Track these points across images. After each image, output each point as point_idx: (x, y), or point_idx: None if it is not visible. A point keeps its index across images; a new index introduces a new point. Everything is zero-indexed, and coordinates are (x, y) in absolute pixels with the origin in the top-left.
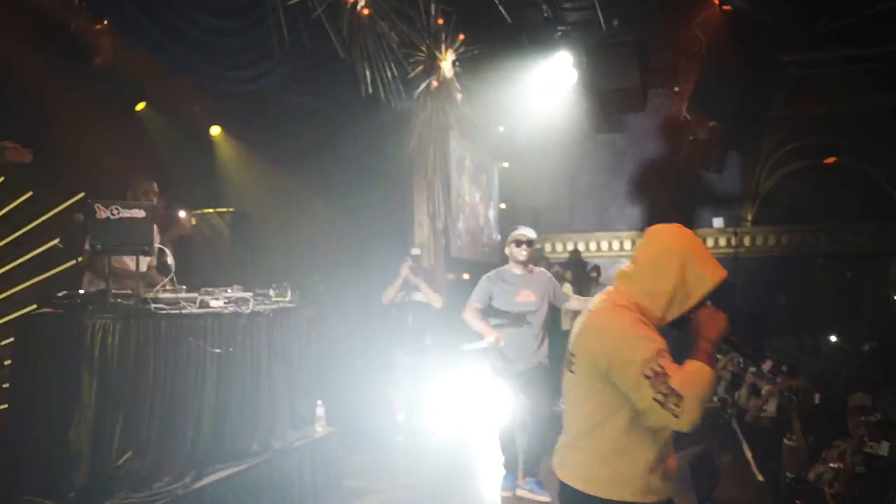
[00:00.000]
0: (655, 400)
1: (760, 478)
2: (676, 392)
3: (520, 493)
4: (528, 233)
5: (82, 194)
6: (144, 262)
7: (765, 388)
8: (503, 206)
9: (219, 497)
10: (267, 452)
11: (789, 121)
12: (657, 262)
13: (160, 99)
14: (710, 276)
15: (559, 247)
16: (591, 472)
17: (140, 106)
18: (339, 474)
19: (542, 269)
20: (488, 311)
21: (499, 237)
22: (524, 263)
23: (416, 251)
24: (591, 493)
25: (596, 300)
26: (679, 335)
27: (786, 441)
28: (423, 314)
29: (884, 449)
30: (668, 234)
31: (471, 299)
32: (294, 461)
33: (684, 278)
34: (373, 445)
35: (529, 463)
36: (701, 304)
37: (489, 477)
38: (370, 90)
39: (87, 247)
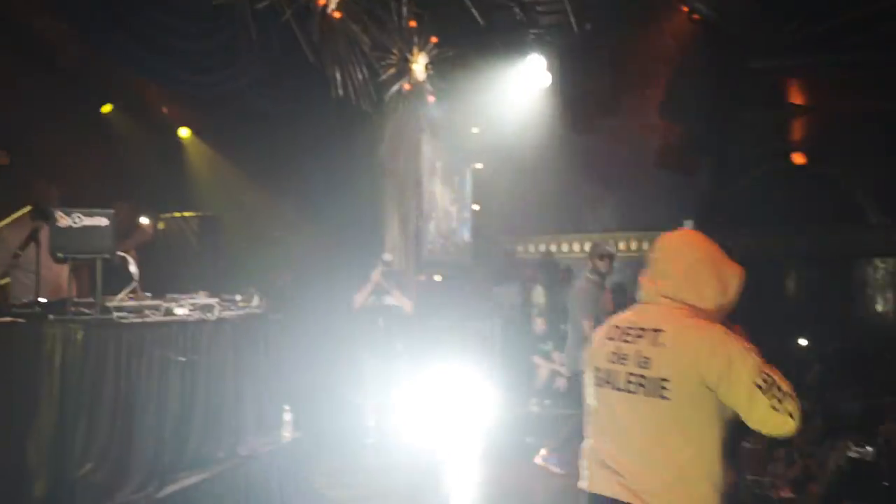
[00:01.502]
0: (773, 408)
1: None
2: (788, 395)
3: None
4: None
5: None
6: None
7: None
8: (476, 207)
9: None
10: (233, 459)
11: (759, 125)
12: (694, 271)
13: (127, 100)
14: (737, 272)
15: (531, 248)
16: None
17: (106, 108)
18: (307, 479)
19: None
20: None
21: (471, 239)
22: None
23: (387, 257)
24: None
25: (651, 314)
26: None
27: (744, 444)
28: (394, 318)
29: (826, 453)
30: (691, 241)
31: None
32: (261, 467)
33: (722, 280)
34: (342, 450)
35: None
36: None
37: (460, 479)
38: (341, 93)
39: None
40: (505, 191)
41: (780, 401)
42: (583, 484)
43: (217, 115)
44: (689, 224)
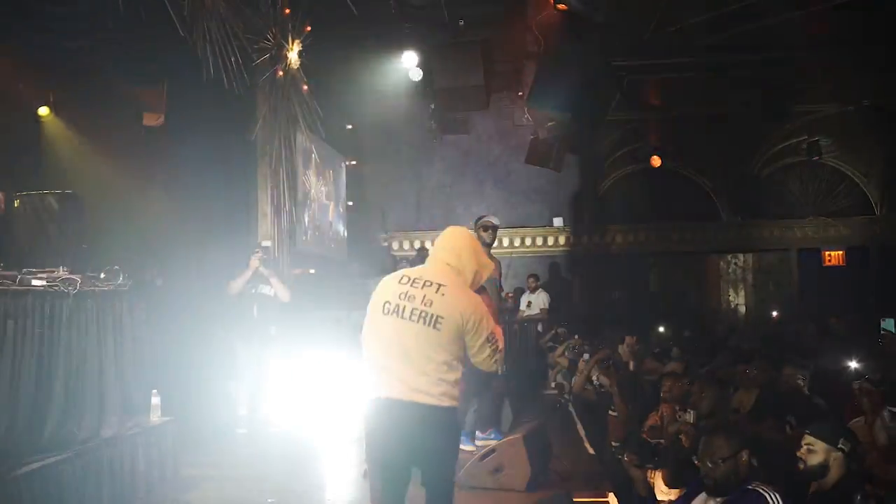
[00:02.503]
0: (490, 355)
1: (591, 451)
2: (500, 350)
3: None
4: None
5: None
6: None
7: (581, 363)
8: (350, 203)
9: (39, 488)
10: (95, 441)
11: (623, 125)
12: (466, 253)
13: None
14: (489, 262)
15: (406, 245)
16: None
17: None
18: (174, 464)
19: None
20: None
21: (345, 234)
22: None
23: (266, 243)
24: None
25: (437, 273)
26: None
27: (610, 412)
28: (269, 306)
29: (691, 417)
30: (466, 234)
31: None
32: (125, 450)
33: (479, 264)
34: (212, 437)
35: None
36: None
37: (332, 465)
38: (212, 73)
39: None
40: (380, 187)
41: (494, 351)
42: (374, 393)
43: (80, 94)
44: (558, 221)
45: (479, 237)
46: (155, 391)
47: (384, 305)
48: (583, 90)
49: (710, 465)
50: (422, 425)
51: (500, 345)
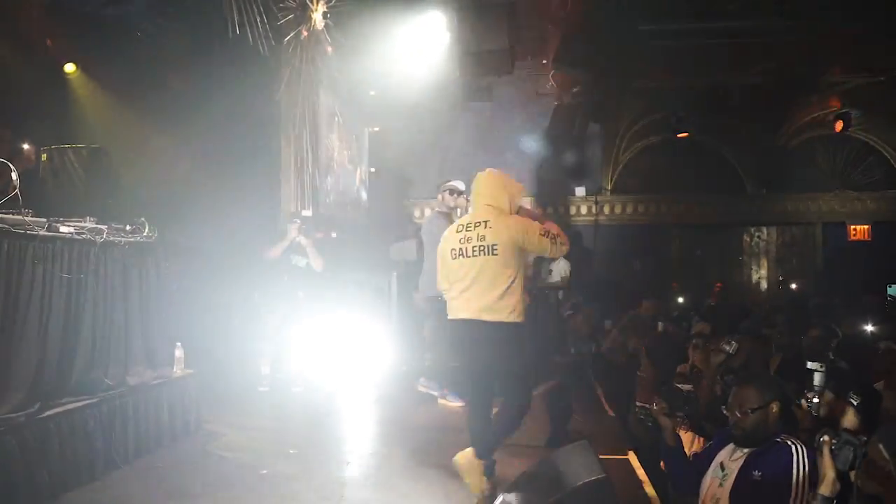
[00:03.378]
0: (550, 241)
1: (611, 413)
2: (558, 235)
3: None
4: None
5: None
6: None
7: (609, 328)
8: (373, 170)
9: (66, 429)
10: (121, 388)
11: (648, 93)
12: (498, 191)
13: (7, 27)
14: (518, 186)
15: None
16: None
17: None
18: (198, 417)
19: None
20: None
21: (367, 199)
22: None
23: (306, 212)
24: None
25: (480, 214)
26: None
27: (638, 373)
28: (299, 275)
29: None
30: (488, 175)
31: None
32: (150, 399)
33: (510, 195)
34: (235, 395)
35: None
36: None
37: (353, 421)
38: (237, 31)
39: None
40: (402, 155)
41: (553, 238)
42: (451, 315)
43: (107, 50)
44: (580, 190)
45: (444, 200)
46: (179, 344)
47: (451, 252)
48: (608, 55)
49: (739, 414)
50: (489, 338)
51: (555, 230)
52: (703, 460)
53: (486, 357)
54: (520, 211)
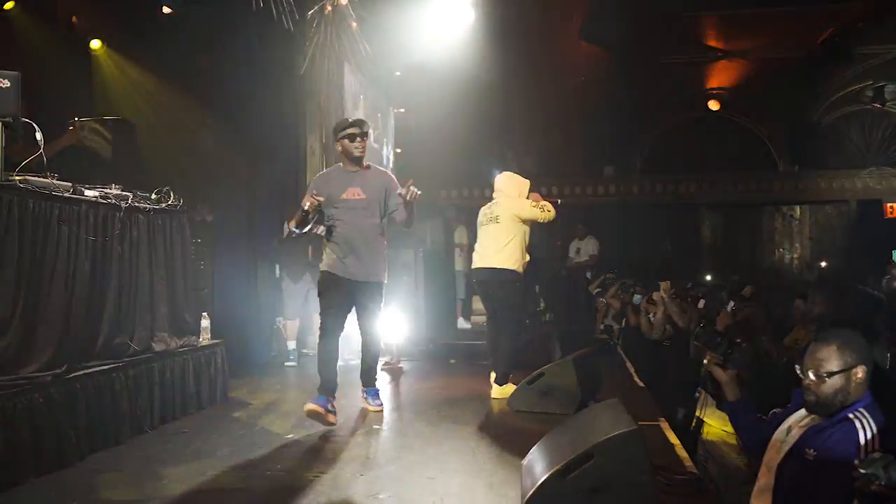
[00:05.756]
0: (539, 210)
1: (641, 384)
2: (545, 206)
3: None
4: (362, 125)
5: None
6: None
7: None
8: (398, 150)
9: (93, 391)
10: (147, 354)
11: (678, 70)
12: (511, 187)
13: (31, 7)
14: (524, 181)
15: (454, 193)
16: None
17: (9, 5)
18: (224, 386)
19: (384, 169)
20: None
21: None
22: (358, 160)
23: None
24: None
25: (497, 198)
26: None
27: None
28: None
29: None
30: (506, 176)
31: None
32: (177, 366)
33: (520, 190)
34: (259, 368)
35: (367, 375)
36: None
37: (381, 393)
38: (262, 5)
39: None
40: (429, 137)
41: (541, 207)
42: (473, 265)
43: (131, 25)
44: (608, 170)
45: (344, 149)
46: (205, 314)
47: (479, 223)
48: (636, 26)
49: (814, 377)
50: (492, 279)
51: (542, 202)
52: (782, 420)
53: (492, 292)
54: (529, 197)
